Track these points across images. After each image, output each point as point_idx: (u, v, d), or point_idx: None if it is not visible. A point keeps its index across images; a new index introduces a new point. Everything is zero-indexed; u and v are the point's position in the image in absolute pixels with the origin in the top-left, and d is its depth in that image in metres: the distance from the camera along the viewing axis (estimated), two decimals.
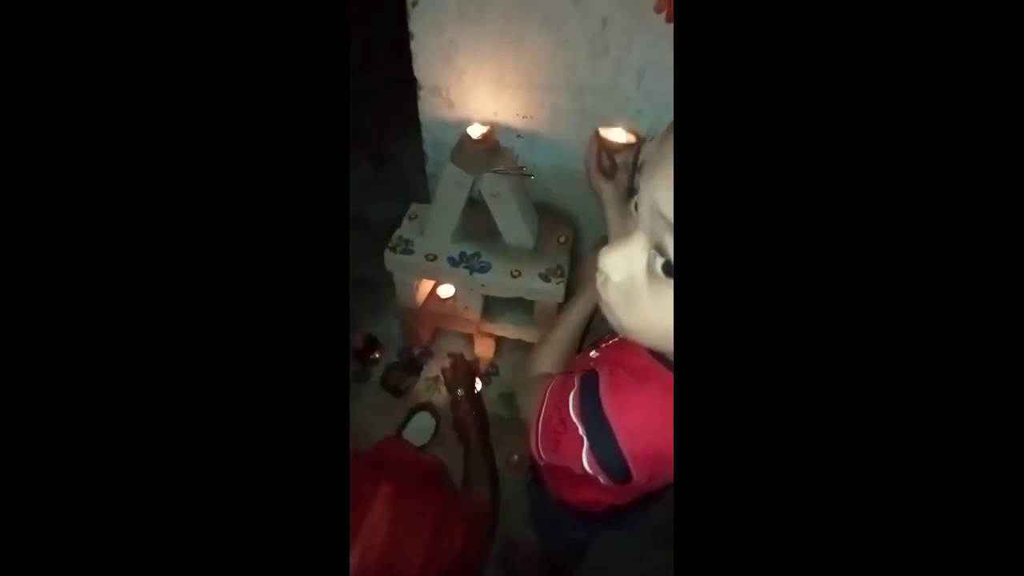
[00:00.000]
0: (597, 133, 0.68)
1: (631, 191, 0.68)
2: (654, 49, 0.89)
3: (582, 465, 0.47)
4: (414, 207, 1.21)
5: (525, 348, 1.28)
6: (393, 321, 1.34)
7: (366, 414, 1.25)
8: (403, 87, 1.14)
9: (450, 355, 0.86)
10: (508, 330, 1.22)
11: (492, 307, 1.22)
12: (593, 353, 0.58)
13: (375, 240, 1.17)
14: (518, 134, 1.06)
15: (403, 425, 1.21)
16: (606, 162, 0.68)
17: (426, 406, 1.24)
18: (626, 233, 0.39)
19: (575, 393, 0.49)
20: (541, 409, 0.53)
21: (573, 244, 1.15)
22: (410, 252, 1.12)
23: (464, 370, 0.83)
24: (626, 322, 0.40)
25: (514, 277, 1.08)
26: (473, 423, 0.77)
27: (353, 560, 0.50)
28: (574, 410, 0.48)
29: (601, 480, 0.48)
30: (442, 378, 0.85)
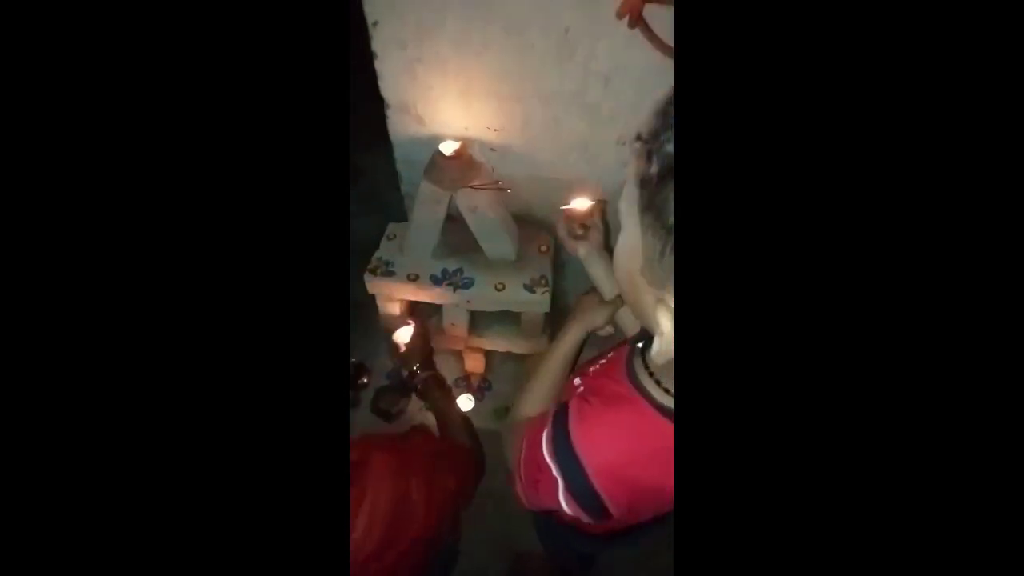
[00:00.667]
0: (563, 212, 0.76)
1: (607, 246, 0.76)
2: (619, 54, 0.88)
3: (562, 507, 0.45)
4: (391, 227, 1.19)
5: (516, 360, 1.27)
6: (380, 344, 1.31)
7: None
8: (366, 107, 1.13)
9: (395, 343, 0.92)
10: (497, 343, 1.21)
11: (479, 321, 1.20)
12: (577, 381, 0.57)
13: (353, 258, 1.15)
14: (491, 147, 1.05)
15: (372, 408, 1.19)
16: (577, 230, 0.77)
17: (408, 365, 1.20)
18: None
19: (547, 432, 0.47)
20: (520, 454, 0.52)
21: (555, 253, 1.14)
22: (391, 274, 1.10)
23: (417, 345, 0.91)
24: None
25: (498, 290, 1.07)
26: (434, 385, 0.86)
27: (362, 521, 0.55)
28: (546, 448, 0.46)
29: (584, 520, 0.46)
30: (394, 356, 0.92)
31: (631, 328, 0.69)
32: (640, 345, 0.49)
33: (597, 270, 0.75)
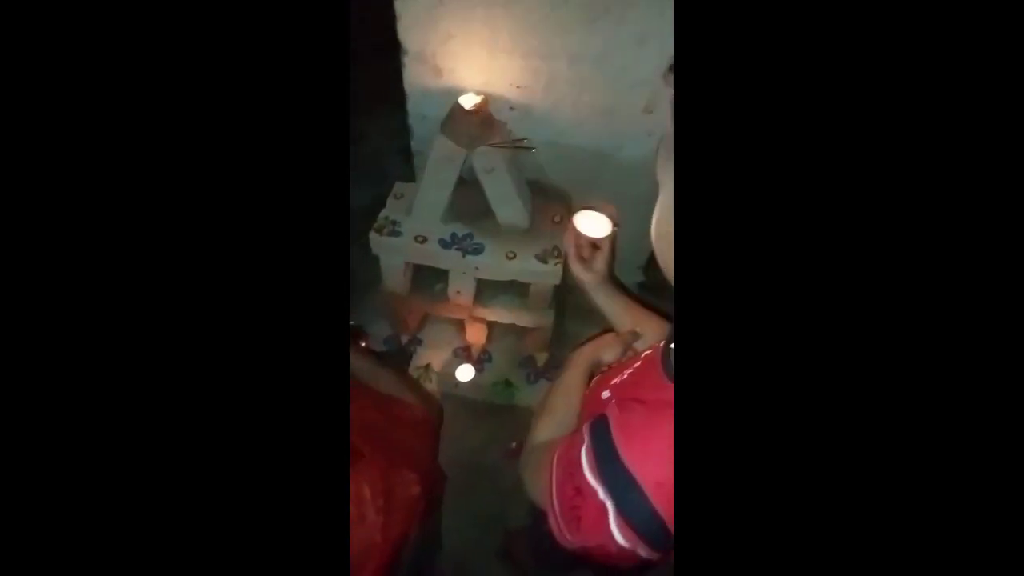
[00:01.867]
0: (572, 225, 0.67)
1: (612, 276, 0.68)
2: (653, 17, 0.84)
3: (614, 539, 0.38)
4: (399, 186, 1.13)
5: (518, 333, 1.24)
6: (379, 309, 1.27)
7: None
8: (379, 56, 1.06)
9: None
10: (501, 314, 1.17)
11: (484, 291, 1.16)
12: (605, 394, 0.52)
13: (352, 225, 1.09)
14: (511, 106, 1.00)
15: None
16: (585, 252, 0.67)
17: None
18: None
19: (586, 448, 0.41)
20: (551, 482, 0.44)
21: None
22: (398, 234, 1.05)
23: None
24: None
25: (509, 259, 1.03)
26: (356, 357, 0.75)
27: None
28: (589, 469, 0.40)
29: (642, 553, 0.39)
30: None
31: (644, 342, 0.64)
32: (673, 346, 0.44)
33: (606, 302, 0.67)
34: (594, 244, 0.67)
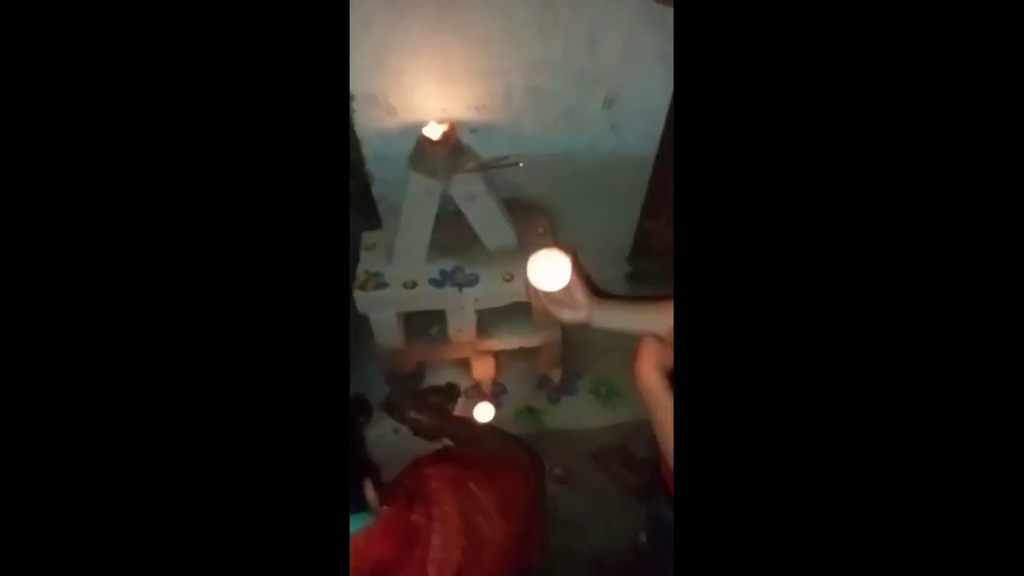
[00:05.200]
0: (529, 284, 0.61)
1: (599, 293, 0.62)
2: (604, 12, 0.85)
3: None
4: (366, 236, 1.06)
5: (527, 355, 1.19)
6: (375, 371, 1.17)
7: None
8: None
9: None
10: (507, 341, 1.12)
11: (485, 321, 1.11)
12: None
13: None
14: (472, 128, 0.97)
15: None
16: (559, 295, 0.61)
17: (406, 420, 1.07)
18: None
19: None
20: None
21: (554, 231, 1.08)
22: (384, 285, 0.98)
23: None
24: None
25: (507, 281, 0.99)
26: (433, 419, 0.78)
27: (437, 541, 0.52)
28: None
29: None
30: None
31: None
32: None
33: (610, 320, 0.61)
34: (564, 291, 0.61)
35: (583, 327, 0.64)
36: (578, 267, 0.61)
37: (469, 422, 0.84)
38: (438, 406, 0.80)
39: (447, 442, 0.77)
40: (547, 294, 0.61)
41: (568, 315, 0.62)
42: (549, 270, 0.59)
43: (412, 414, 0.77)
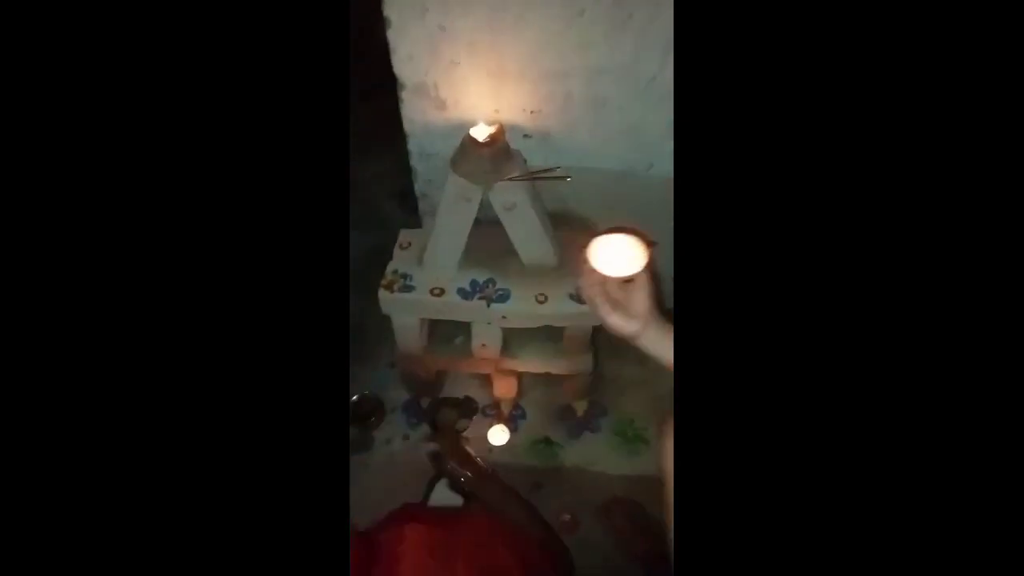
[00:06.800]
0: (588, 264, 0.49)
1: (662, 310, 0.51)
2: None
3: None
4: (404, 234, 1.01)
5: (553, 382, 1.10)
6: (390, 373, 1.13)
7: (374, 490, 1.03)
8: (374, 94, 0.97)
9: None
10: (533, 364, 1.04)
11: (512, 339, 1.03)
12: None
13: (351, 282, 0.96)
14: (525, 134, 0.90)
15: (426, 496, 1.00)
16: (616, 293, 0.50)
17: (446, 471, 1.03)
18: None
19: None
20: None
21: None
22: (410, 288, 0.93)
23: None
24: None
25: (540, 303, 0.91)
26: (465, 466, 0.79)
27: None
28: None
29: None
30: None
31: None
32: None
33: (660, 345, 0.50)
34: (627, 280, 0.50)
35: (624, 345, 0.52)
36: (653, 267, 0.50)
37: (514, 495, 0.79)
38: (488, 471, 0.81)
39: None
40: (608, 284, 0.50)
41: (617, 321, 0.51)
42: (619, 254, 0.48)
43: (454, 468, 0.80)
